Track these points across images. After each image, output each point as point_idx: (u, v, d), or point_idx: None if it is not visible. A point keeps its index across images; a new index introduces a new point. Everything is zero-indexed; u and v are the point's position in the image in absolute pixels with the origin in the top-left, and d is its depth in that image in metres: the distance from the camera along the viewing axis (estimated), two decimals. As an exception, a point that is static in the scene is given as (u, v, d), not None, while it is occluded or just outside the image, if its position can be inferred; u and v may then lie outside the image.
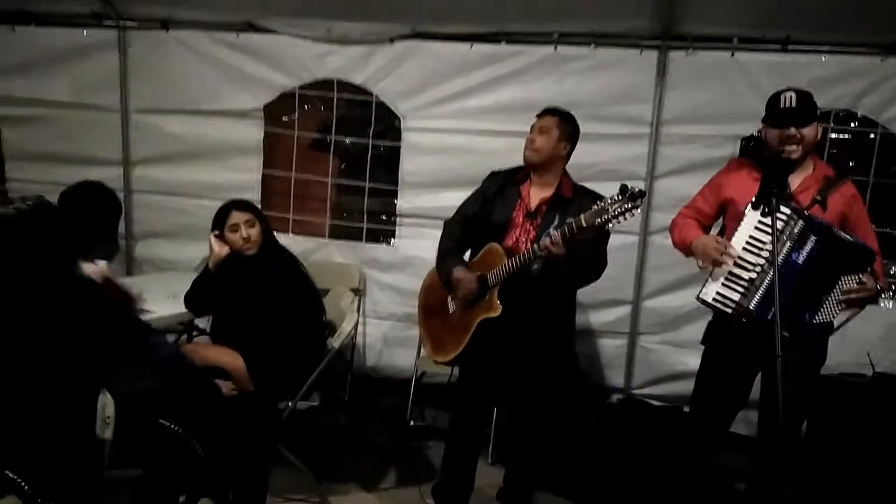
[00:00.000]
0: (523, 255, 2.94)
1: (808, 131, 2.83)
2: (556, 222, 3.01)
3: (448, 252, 3.26)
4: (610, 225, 2.74)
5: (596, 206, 2.75)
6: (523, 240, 3.10)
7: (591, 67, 4.26)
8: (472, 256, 3.26)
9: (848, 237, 2.74)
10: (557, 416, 3.46)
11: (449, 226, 3.35)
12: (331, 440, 4.23)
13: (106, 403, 2.29)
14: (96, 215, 2.45)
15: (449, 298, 3.27)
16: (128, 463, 2.44)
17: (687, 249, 3.00)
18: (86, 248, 2.40)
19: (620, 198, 2.70)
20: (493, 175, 3.31)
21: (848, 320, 2.89)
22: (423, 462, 4.05)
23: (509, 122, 4.14)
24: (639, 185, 2.92)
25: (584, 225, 2.76)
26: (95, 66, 4.85)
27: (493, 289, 3.05)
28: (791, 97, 2.84)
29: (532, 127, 3.20)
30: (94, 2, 4.68)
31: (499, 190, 3.22)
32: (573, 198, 3.11)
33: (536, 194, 3.16)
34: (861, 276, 2.72)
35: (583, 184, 3.23)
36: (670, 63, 4.15)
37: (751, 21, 3.96)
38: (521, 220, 3.14)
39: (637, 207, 2.72)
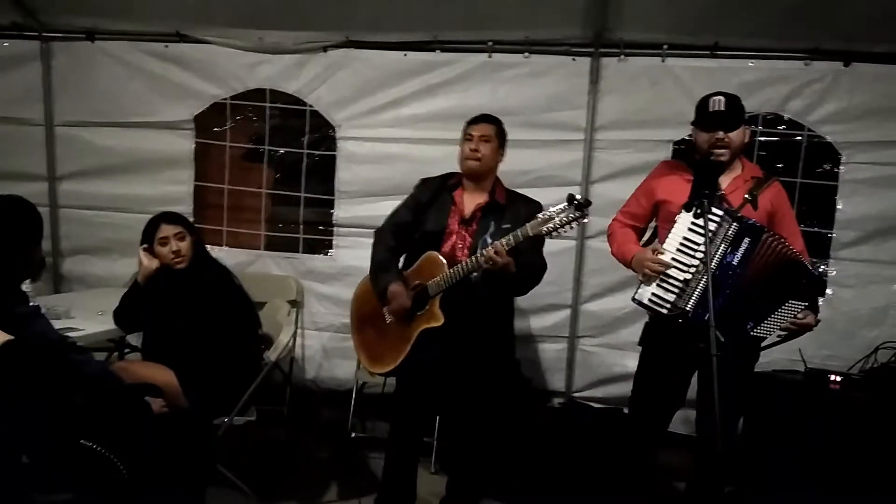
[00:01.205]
0: (466, 264, 2.92)
1: (736, 135, 2.89)
2: (491, 229, 3.01)
3: (383, 264, 3.22)
4: (554, 234, 2.75)
5: (541, 216, 2.75)
6: (459, 246, 3.10)
7: (525, 75, 4.28)
8: (407, 265, 3.23)
9: (801, 260, 2.79)
10: (501, 423, 3.45)
11: (381, 234, 3.30)
12: (270, 456, 4.14)
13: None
14: (14, 230, 2.32)
15: (385, 309, 3.22)
16: (55, 486, 2.34)
17: (627, 264, 3.04)
18: (7, 265, 2.28)
19: (566, 207, 2.71)
20: (425, 182, 3.30)
21: (775, 345, 2.95)
22: (366, 474, 3.98)
23: (445, 130, 4.10)
24: (574, 190, 2.93)
25: (531, 234, 2.76)
26: (17, 79, 4.71)
27: (435, 298, 3.03)
28: (719, 101, 2.89)
29: (471, 136, 3.19)
30: (14, 12, 4.54)
31: (432, 197, 3.21)
32: (507, 204, 3.12)
33: (471, 201, 3.16)
34: (804, 305, 2.78)
35: (518, 190, 3.25)
36: (603, 69, 4.20)
37: (680, 27, 4.03)
38: (456, 226, 3.13)
39: (584, 217, 2.73)
